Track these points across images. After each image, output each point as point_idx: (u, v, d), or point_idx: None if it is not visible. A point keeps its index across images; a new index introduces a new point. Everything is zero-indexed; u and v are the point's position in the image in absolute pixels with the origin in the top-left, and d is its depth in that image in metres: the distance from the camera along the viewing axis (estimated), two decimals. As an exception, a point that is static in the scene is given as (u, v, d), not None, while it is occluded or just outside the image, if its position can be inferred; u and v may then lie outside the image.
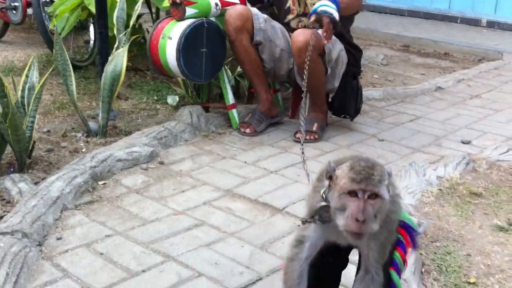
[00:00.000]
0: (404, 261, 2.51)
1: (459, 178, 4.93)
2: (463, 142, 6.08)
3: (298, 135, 5.90)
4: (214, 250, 3.82)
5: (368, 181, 2.12)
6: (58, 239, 3.85)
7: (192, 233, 4.03)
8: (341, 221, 2.16)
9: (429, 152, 5.80)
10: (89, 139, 5.62)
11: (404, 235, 2.55)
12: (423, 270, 3.58)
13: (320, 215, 2.27)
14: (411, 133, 6.37)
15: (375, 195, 2.12)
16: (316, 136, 5.98)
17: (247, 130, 6.04)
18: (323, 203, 2.29)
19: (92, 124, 5.81)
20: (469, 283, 3.50)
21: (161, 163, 5.23)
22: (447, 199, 4.63)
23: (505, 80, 9.06)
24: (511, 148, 5.66)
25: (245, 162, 5.33)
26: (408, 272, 3.38)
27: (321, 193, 2.29)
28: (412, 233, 2.54)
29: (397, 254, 2.47)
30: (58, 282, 3.40)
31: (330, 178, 2.27)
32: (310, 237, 2.36)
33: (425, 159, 5.53)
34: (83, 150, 5.37)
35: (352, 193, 2.12)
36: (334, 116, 6.47)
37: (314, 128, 6.02)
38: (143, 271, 3.54)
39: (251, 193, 4.67)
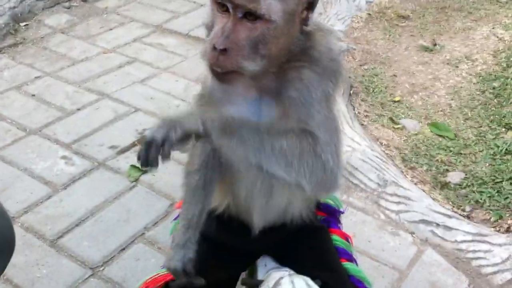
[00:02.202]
0: (346, 239, 1.93)
1: (387, 2, 4.97)
2: (392, -34, 6.03)
3: None
4: (149, 85, 3.82)
5: None
6: (-15, 83, 3.76)
7: (125, 70, 3.99)
8: (203, 47, 1.44)
9: (359, -22, 5.75)
10: (3, -22, 5.23)
11: (327, 215, 1.94)
12: (351, 92, 3.73)
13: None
14: (342, -41, 6.24)
15: (254, 15, 1.37)
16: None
17: (173, -38, 5.75)
18: None
19: (4, -38, 5.38)
20: (394, 101, 3.70)
21: (84, 0, 4.98)
22: (376, 23, 4.70)
23: None
24: (438, -30, 5.67)
25: (174, -4, 5.16)
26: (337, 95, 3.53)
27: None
28: (336, 214, 2.00)
29: (336, 238, 1.90)
30: (-8, 126, 3.38)
31: None
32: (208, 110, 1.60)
33: (355, -15, 5.50)
34: (-2, -10, 5.02)
35: (222, 5, 1.39)
36: None
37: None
38: (78, 109, 3.54)
39: (182, 28, 4.59)
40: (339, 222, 2.00)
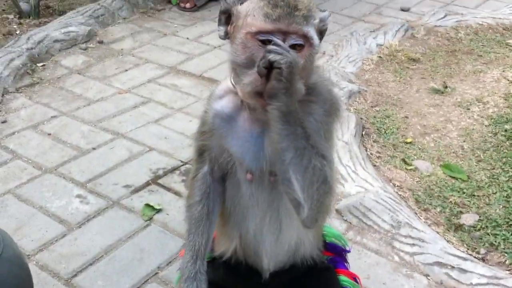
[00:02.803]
0: (354, 279, 1.95)
1: (398, 45, 5.04)
2: (402, 10, 6.14)
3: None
4: (163, 125, 3.87)
5: (290, 18, 1.45)
6: (3, 122, 3.81)
7: (139, 110, 4.05)
8: (245, 79, 1.48)
9: (369, 21, 5.85)
10: (22, 20, 5.37)
11: (334, 255, 1.95)
12: (363, 133, 3.76)
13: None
14: (352, 2, 6.37)
15: (300, 44, 1.47)
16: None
17: (187, 5, 5.90)
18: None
19: (24, 5, 5.53)
20: (406, 142, 3.72)
21: (101, 42, 5.10)
22: (387, 65, 4.77)
23: None
24: (448, 14, 5.77)
25: (188, 39, 5.26)
26: (349, 135, 3.56)
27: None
28: (343, 254, 2.01)
29: (343, 278, 1.91)
30: (9, 164, 3.41)
31: (228, 18, 1.59)
32: (208, 145, 1.72)
33: (365, 28, 5.59)
34: (17, 32, 5.15)
35: (264, 39, 1.46)
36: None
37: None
38: (94, 148, 3.58)
39: (196, 69, 4.67)
40: (346, 261, 2.01)
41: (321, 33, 1.59)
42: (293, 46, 1.46)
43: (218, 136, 1.68)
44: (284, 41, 1.45)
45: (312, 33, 1.50)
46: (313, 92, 1.59)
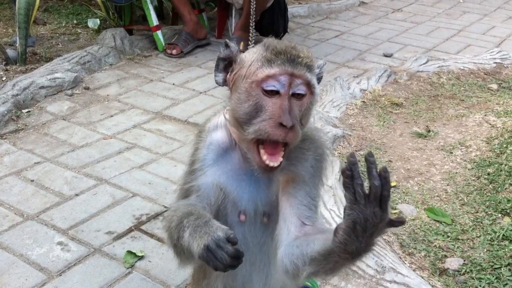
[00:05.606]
0: None
1: (381, 90, 5.12)
2: (385, 55, 6.26)
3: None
4: (147, 171, 3.86)
5: (294, 63, 1.51)
6: (-15, 169, 3.79)
7: (124, 156, 4.04)
8: (250, 129, 1.50)
9: (353, 67, 5.95)
10: (8, 67, 5.39)
11: None
12: (348, 177, 3.76)
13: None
14: (336, 49, 6.49)
15: (301, 94, 1.52)
16: (243, 55, 5.98)
17: (174, 51, 5.96)
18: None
19: (10, 52, 5.57)
20: (391, 186, 3.72)
21: (87, 88, 5.12)
22: (370, 110, 4.82)
23: (425, -6, 9.27)
24: (430, 59, 5.89)
25: (173, 84, 5.30)
26: (334, 180, 3.57)
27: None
28: None
29: None
30: (-11, 211, 3.38)
31: (227, 65, 1.65)
32: (198, 186, 1.67)
33: (349, 73, 5.68)
34: (3, 78, 5.16)
35: (270, 90, 1.50)
36: (261, 36, 6.47)
37: (241, 48, 6.01)
38: (77, 195, 3.55)
39: (181, 114, 4.69)
40: None
41: (319, 80, 1.68)
42: (295, 95, 1.52)
43: (211, 173, 1.64)
44: (289, 85, 1.50)
45: (314, 81, 1.57)
46: (307, 140, 1.68)
